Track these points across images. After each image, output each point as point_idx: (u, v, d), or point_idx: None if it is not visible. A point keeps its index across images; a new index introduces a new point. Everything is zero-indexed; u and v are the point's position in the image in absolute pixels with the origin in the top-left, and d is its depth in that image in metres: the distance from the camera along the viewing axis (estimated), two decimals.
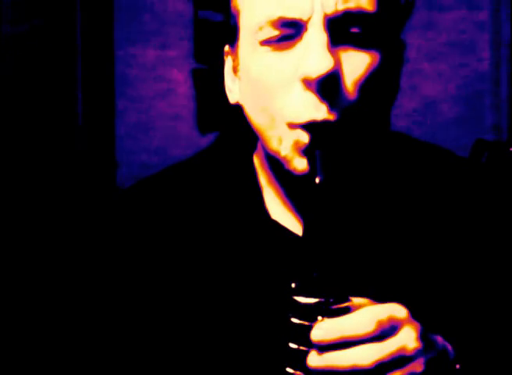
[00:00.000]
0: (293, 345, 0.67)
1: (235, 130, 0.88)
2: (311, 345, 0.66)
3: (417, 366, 0.66)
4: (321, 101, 0.71)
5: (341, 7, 0.70)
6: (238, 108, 0.81)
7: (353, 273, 0.76)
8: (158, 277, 0.82)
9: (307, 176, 0.71)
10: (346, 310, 0.66)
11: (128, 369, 0.82)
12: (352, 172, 0.77)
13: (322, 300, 0.66)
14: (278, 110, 0.73)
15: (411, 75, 2.76)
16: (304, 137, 0.72)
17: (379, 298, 0.69)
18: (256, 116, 0.77)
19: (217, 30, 2.81)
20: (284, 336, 0.68)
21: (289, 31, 0.72)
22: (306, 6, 0.71)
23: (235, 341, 0.78)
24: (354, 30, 0.72)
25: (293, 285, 0.68)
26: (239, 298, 0.79)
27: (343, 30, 0.71)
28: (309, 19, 0.71)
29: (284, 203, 0.82)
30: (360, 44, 0.72)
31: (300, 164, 0.73)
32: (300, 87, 0.72)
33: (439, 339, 0.70)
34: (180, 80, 2.89)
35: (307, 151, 0.72)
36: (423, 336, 0.67)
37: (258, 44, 0.74)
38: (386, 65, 0.74)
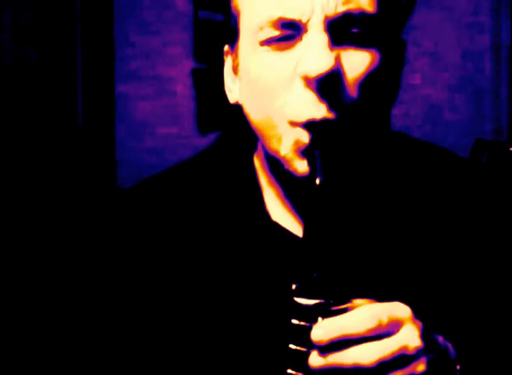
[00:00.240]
0: (293, 346, 0.67)
1: (235, 131, 0.88)
2: (312, 346, 0.65)
3: (419, 365, 0.66)
4: (321, 100, 0.71)
5: (341, 9, 0.70)
6: (238, 108, 0.80)
7: (353, 274, 0.75)
8: (158, 278, 0.81)
9: (308, 178, 0.71)
10: (346, 311, 0.66)
11: (128, 369, 0.82)
12: (352, 172, 0.77)
13: (322, 301, 0.66)
14: (278, 109, 0.73)
15: (411, 75, 2.76)
16: (304, 137, 0.72)
17: (380, 298, 0.69)
18: (256, 116, 0.76)
19: (217, 30, 2.81)
20: (284, 337, 0.68)
21: (290, 32, 0.72)
22: (306, 7, 0.70)
23: (236, 343, 0.78)
24: (354, 30, 0.71)
25: (293, 286, 0.68)
26: (239, 299, 0.79)
27: (343, 31, 0.71)
28: (309, 20, 0.70)
29: (284, 204, 0.82)
30: (360, 43, 0.72)
31: (300, 166, 0.73)
32: (300, 86, 0.71)
33: (441, 339, 0.70)
34: (180, 79, 2.89)
35: (307, 152, 0.72)
36: (425, 335, 0.67)
37: (258, 44, 0.74)
38: (386, 64, 0.74)
